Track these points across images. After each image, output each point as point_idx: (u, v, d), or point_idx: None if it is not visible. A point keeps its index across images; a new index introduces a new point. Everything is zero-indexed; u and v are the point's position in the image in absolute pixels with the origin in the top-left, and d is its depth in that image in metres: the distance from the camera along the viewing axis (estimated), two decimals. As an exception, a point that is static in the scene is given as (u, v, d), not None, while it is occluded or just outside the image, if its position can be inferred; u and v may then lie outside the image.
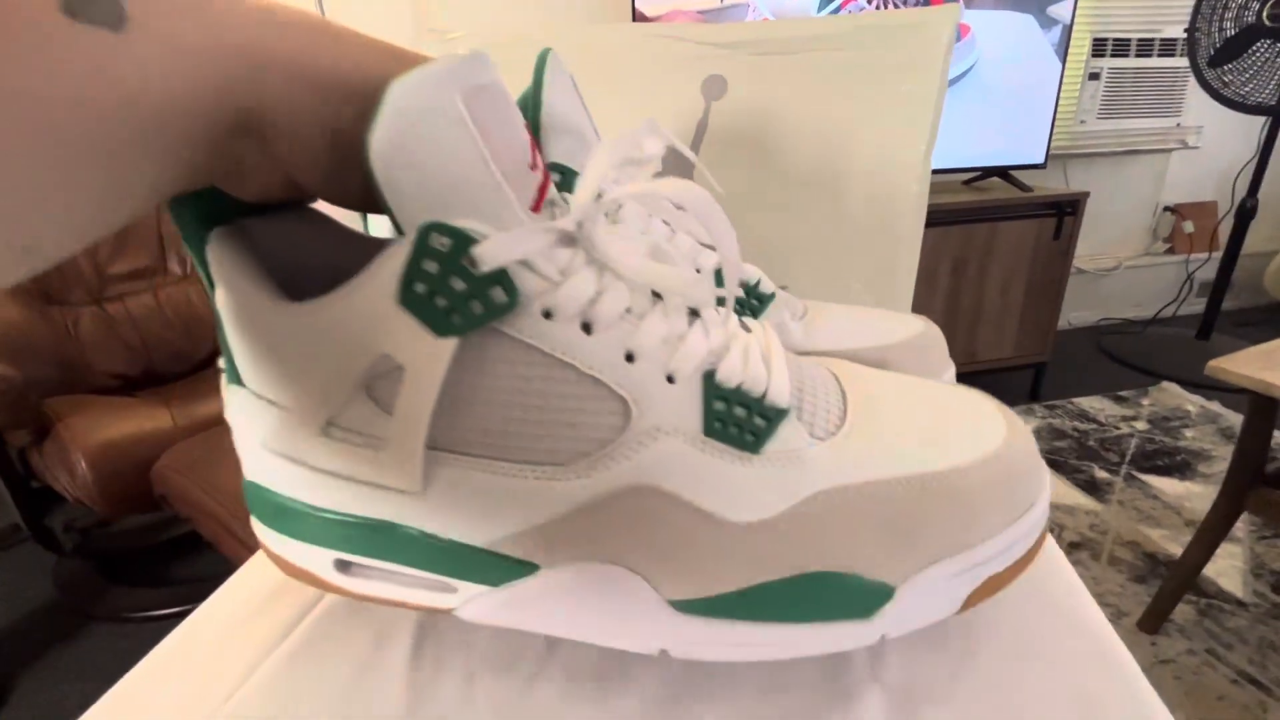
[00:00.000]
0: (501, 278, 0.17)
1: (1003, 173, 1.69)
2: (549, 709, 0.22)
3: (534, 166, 0.19)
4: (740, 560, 0.20)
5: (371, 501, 0.21)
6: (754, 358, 0.21)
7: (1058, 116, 1.65)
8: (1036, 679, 0.21)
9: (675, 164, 0.43)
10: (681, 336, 0.20)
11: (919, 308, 0.45)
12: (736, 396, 0.20)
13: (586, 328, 0.19)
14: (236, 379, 0.21)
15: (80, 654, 1.04)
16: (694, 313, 0.21)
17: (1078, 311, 2.29)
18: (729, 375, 0.20)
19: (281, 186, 0.18)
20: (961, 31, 1.56)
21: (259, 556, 0.30)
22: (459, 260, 0.17)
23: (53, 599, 1.18)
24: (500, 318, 0.18)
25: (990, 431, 0.22)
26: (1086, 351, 2.10)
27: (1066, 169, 2.07)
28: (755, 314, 0.32)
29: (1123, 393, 1.77)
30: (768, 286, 0.33)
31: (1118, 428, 1.61)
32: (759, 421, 0.20)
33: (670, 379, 0.19)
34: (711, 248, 0.31)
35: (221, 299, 0.20)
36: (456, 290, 0.17)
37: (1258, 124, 1.86)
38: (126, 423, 0.94)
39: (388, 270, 0.17)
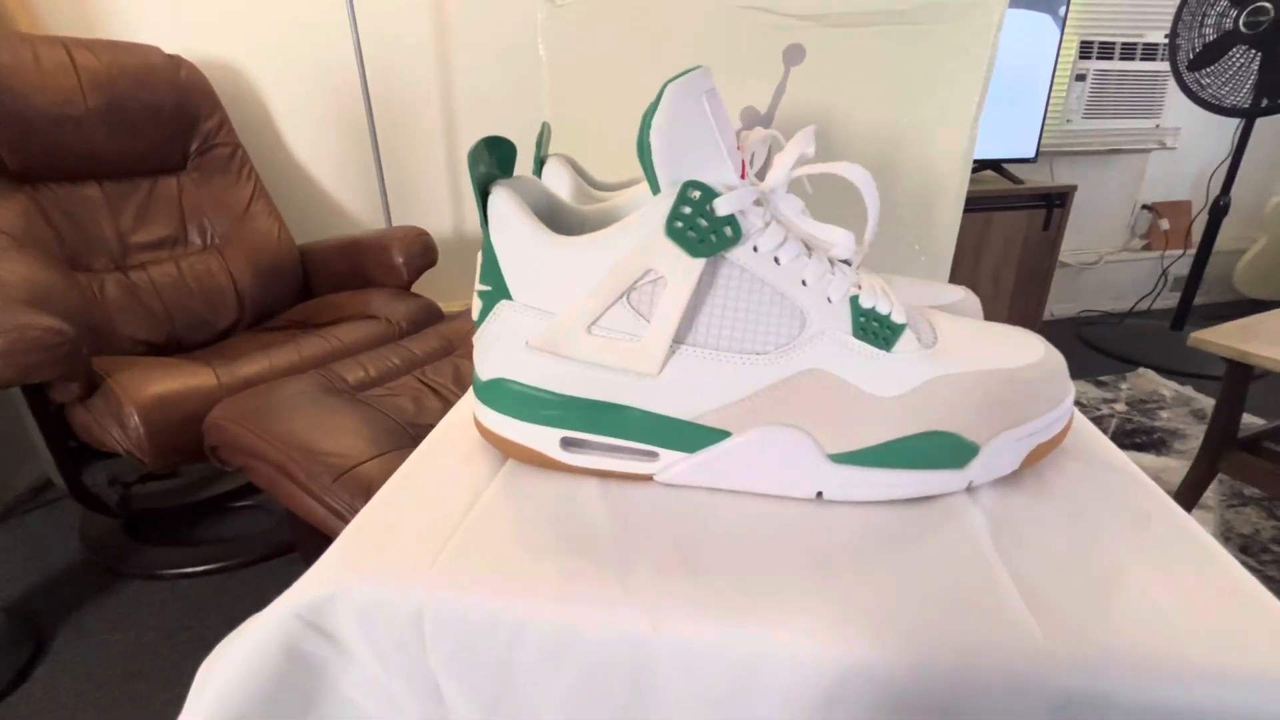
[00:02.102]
0: (731, 220, 0.26)
1: (996, 166, 1.78)
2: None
3: (739, 148, 0.28)
4: (880, 423, 0.28)
5: (612, 386, 0.28)
6: (878, 291, 0.29)
7: (1047, 115, 1.74)
8: (1094, 498, 0.28)
9: (755, 124, 0.49)
10: (830, 274, 0.28)
11: None
12: (872, 314, 0.28)
13: (776, 261, 0.27)
14: (505, 295, 0.28)
15: (113, 607, 1.07)
16: (830, 261, 0.29)
17: (1060, 303, 2.40)
18: (866, 300, 0.28)
19: None
20: None
21: (431, 441, 0.35)
22: (705, 206, 0.25)
23: (82, 556, 1.21)
24: (729, 248, 0.26)
25: (1033, 349, 0.31)
26: (1068, 341, 2.20)
27: (1053, 166, 2.17)
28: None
29: (1103, 378, 1.88)
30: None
31: (1099, 409, 1.70)
32: (887, 331, 0.28)
33: (829, 300, 0.28)
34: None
35: (498, 235, 0.28)
36: (703, 227, 0.26)
37: (1231, 126, 1.98)
38: (174, 379, 0.97)
39: (658, 211, 0.26)
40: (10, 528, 1.31)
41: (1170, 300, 2.30)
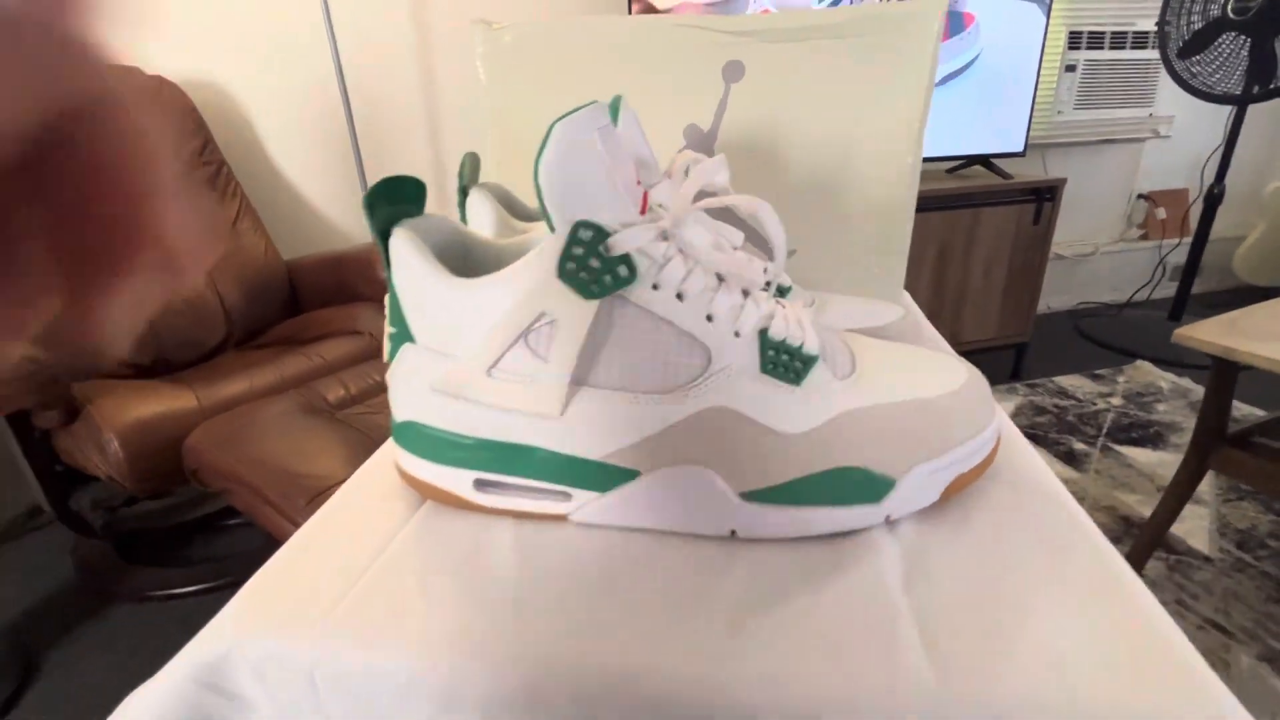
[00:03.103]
0: (626, 259, 0.25)
1: (984, 161, 1.76)
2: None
3: (638, 183, 0.27)
4: (789, 460, 0.27)
5: (516, 428, 0.28)
6: (791, 322, 0.28)
7: (1036, 107, 1.72)
8: (1016, 529, 0.27)
9: (699, 143, 0.48)
10: (741, 306, 0.28)
11: (907, 290, 0.51)
12: (783, 347, 0.28)
13: (680, 297, 0.26)
14: (408, 338, 0.27)
15: (104, 631, 1.08)
16: (745, 291, 0.28)
17: (1056, 296, 2.38)
18: (776, 332, 0.28)
19: None
20: (966, 20, 1.62)
21: (356, 479, 0.35)
22: (598, 246, 0.25)
23: (73, 580, 1.21)
24: (624, 288, 0.26)
25: (954, 375, 0.30)
26: (1065, 333, 2.18)
27: (1045, 158, 2.15)
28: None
29: (1099, 371, 1.86)
30: (785, 281, 0.40)
31: (1095, 403, 1.69)
32: (799, 364, 0.28)
33: (737, 334, 0.27)
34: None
35: (399, 278, 0.27)
36: (595, 268, 0.25)
37: (1224, 113, 1.95)
38: (154, 403, 0.98)
39: (549, 253, 0.25)
40: (3, 552, 1.32)
41: (1169, 290, 2.28)
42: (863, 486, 0.27)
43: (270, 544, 1.17)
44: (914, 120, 0.46)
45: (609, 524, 0.29)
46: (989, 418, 0.30)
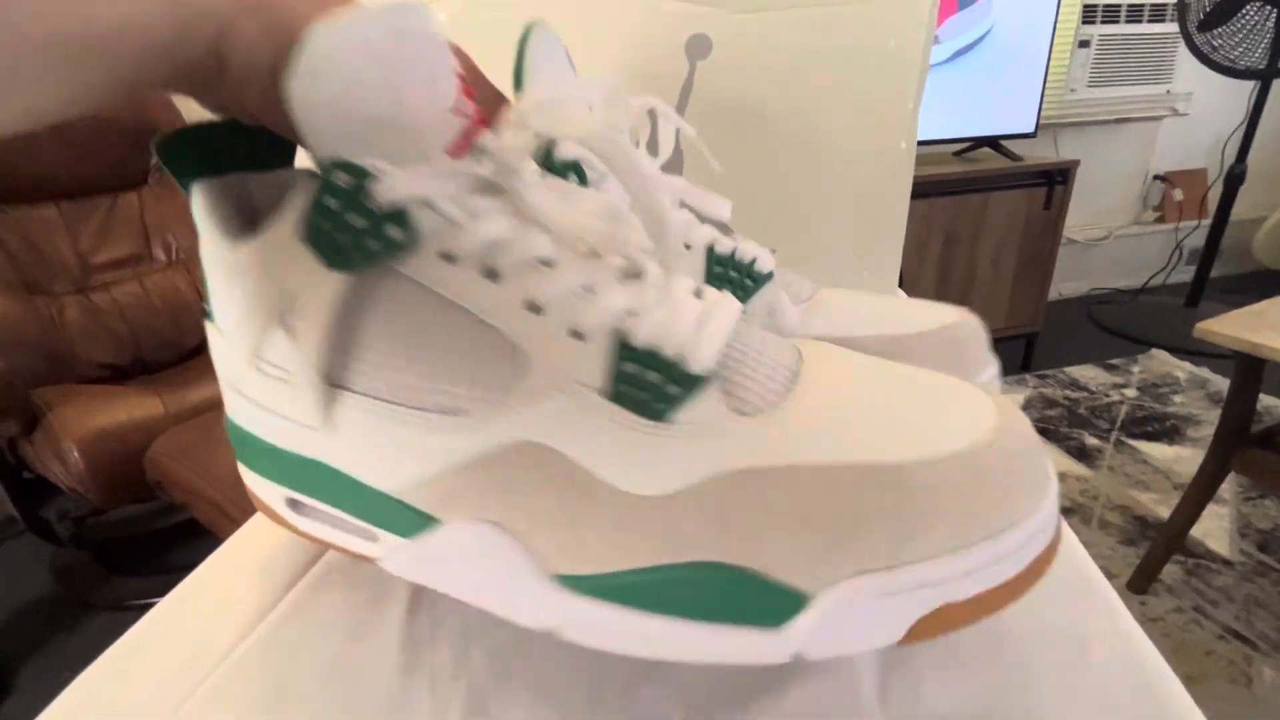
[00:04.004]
0: (399, 216, 0.17)
1: (993, 143, 1.69)
2: (546, 662, 0.22)
3: (458, 112, 0.18)
4: (633, 537, 0.18)
5: (299, 438, 0.20)
6: (684, 322, 0.19)
7: (1047, 85, 1.64)
8: (1022, 618, 0.22)
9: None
10: (594, 290, 0.18)
11: (910, 280, 0.45)
12: (649, 359, 0.18)
13: (491, 274, 0.18)
14: (209, 315, 0.22)
15: (81, 642, 1.05)
16: (634, 275, 0.19)
17: (1068, 282, 2.30)
18: (646, 336, 0.18)
19: (239, 111, 0.19)
20: None
21: (247, 528, 0.30)
22: (358, 197, 0.17)
23: (52, 589, 1.18)
24: (396, 256, 0.18)
25: (967, 427, 0.18)
26: (1077, 321, 2.11)
27: (1056, 138, 2.07)
28: (747, 293, 0.29)
29: (1113, 361, 1.79)
30: (765, 265, 0.30)
31: (1108, 395, 1.62)
32: (671, 389, 0.18)
33: (577, 334, 0.18)
34: (716, 224, 0.30)
35: (201, 242, 0.21)
36: (355, 227, 0.17)
37: (1246, 89, 1.86)
38: (117, 411, 0.94)
39: (297, 206, 0.18)
40: (-20, 560, 1.29)
41: (1186, 275, 2.19)
42: (748, 599, 0.17)
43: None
44: (907, 98, 0.40)
45: (419, 581, 0.22)
46: (1022, 510, 0.17)
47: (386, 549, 0.21)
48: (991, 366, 0.31)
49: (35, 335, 1.15)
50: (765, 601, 0.17)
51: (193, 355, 1.39)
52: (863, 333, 0.29)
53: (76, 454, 0.87)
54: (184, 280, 1.41)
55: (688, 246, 0.26)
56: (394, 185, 0.17)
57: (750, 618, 0.17)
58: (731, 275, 0.28)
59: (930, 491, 0.17)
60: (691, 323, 0.19)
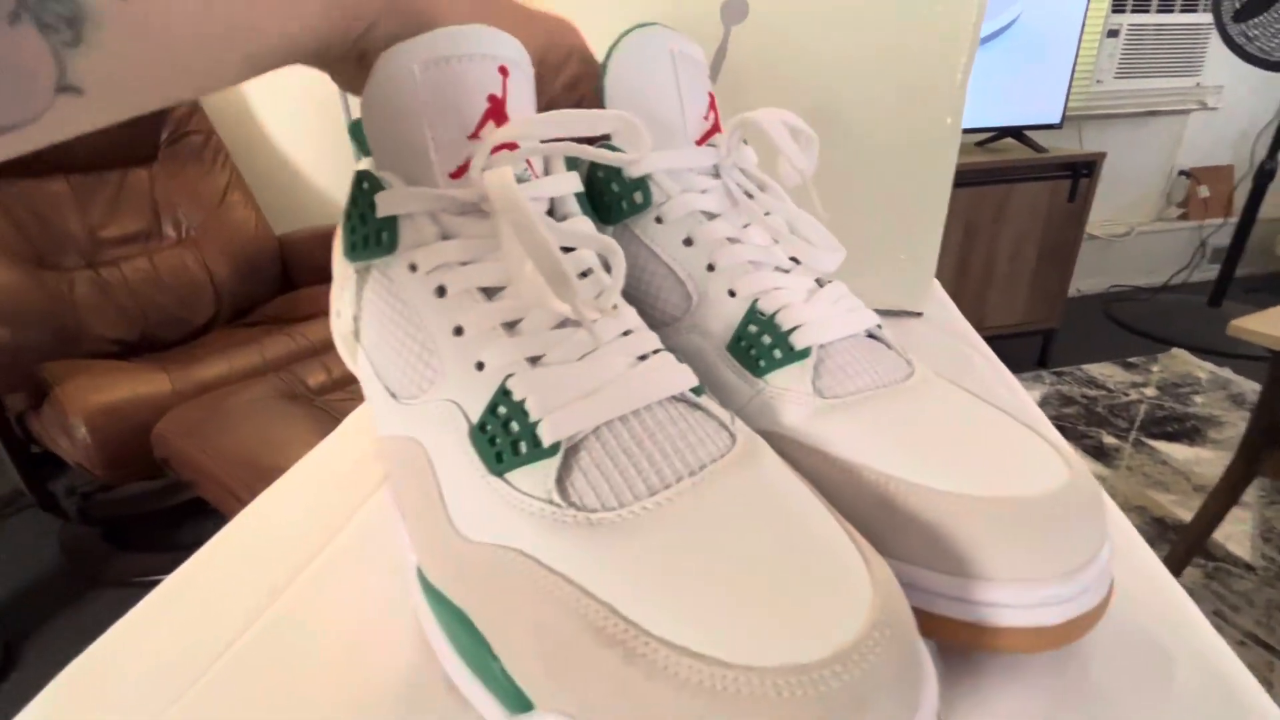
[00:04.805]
0: (387, 224, 0.21)
1: (1017, 133, 1.65)
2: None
3: (474, 136, 0.20)
4: (447, 562, 0.18)
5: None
6: (558, 383, 0.18)
7: (1073, 76, 1.59)
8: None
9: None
10: (517, 330, 0.19)
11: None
12: (516, 411, 0.18)
13: (440, 290, 0.20)
14: None
15: (87, 618, 1.05)
16: (566, 324, 0.20)
17: (1087, 278, 2.26)
18: (525, 390, 0.18)
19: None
20: None
21: (257, 504, 0.28)
22: (370, 203, 0.21)
23: (59, 564, 1.18)
24: (380, 258, 0.21)
25: (814, 620, 0.13)
26: (1095, 318, 2.07)
27: (1081, 131, 2.02)
28: (763, 366, 0.23)
29: (1132, 359, 1.76)
30: (804, 340, 0.22)
31: (1126, 394, 1.59)
32: (522, 446, 0.17)
33: (480, 366, 0.19)
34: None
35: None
36: (365, 225, 0.21)
37: (1278, 83, 1.81)
38: (124, 386, 0.93)
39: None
40: (-12, 534, 1.29)
41: (1208, 273, 2.15)
42: (492, 675, 0.16)
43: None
44: (955, 70, 0.38)
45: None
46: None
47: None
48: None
49: (43, 309, 1.14)
50: (502, 686, 0.16)
51: (200, 333, 1.38)
52: (905, 475, 0.19)
53: (84, 429, 0.87)
54: (193, 258, 1.40)
55: (732, 294, 0.24)
56: (388, 198, 0.20)
57: (497, 692, 0.16)
58: (762, 340, 0.23)
59: (656, 677, 0.13)
60: (577, 389, 0.18)
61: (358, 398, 0.95)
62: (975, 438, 0.19)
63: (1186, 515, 1.13)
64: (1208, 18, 1.75)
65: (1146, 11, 1.91)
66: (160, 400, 0.92)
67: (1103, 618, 0.17)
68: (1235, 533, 1.11)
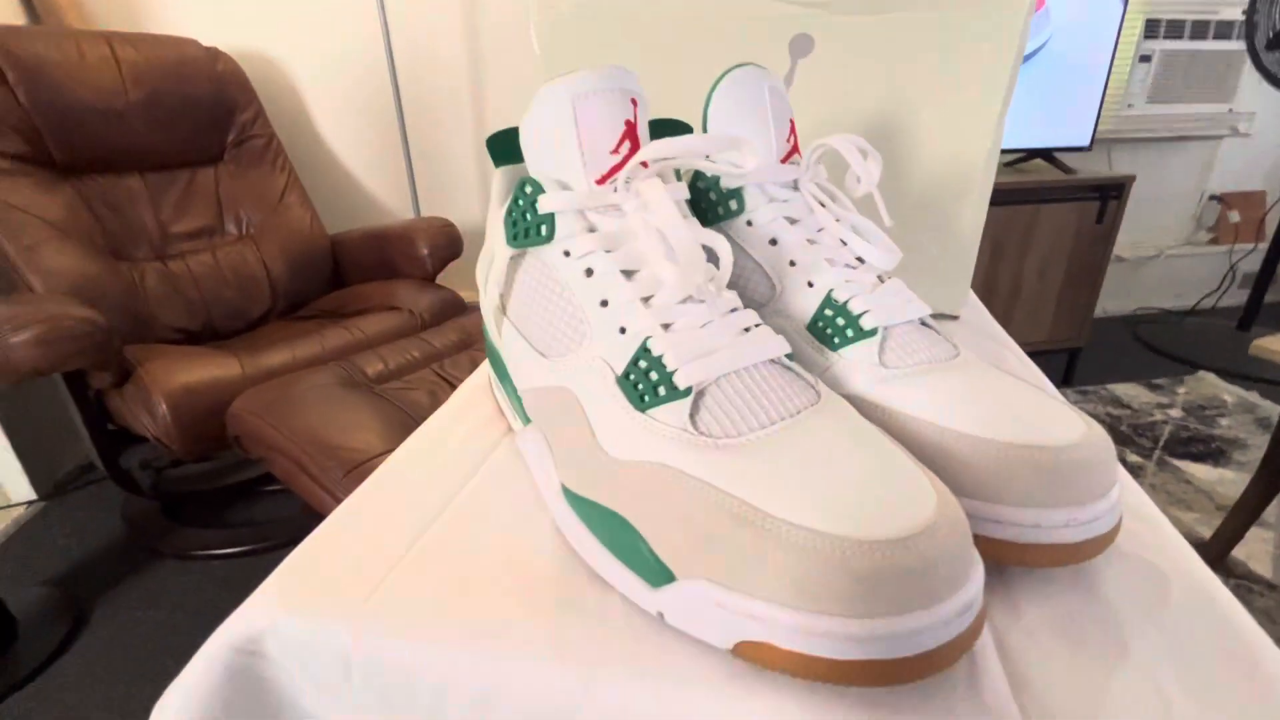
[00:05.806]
0: (547, 219, 0.27)
1: (1047, 154, 1.68)
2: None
3: (614, 152, 0.26)
4: (598, 476, 0.24)
5: (493, 339, 0.34)
6: (687, 343, 0.24)
7: (1104, 99, 1.62)
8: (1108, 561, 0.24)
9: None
10: (648, 304, 0.25)
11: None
12: (650, 364, 0.24)
13: (588, 271, 0.26)
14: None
15: (149, 585, 1.12)
16: (692, 300, 0.25)
17: (1113, 299, 2.27)
18: (662, 347, 0.24)
19: None
20: (1037, 2, 1.53)
21: (415, 438, 0.35)
22: (532, 203, 0.27)
23: (122, 535, 1.26)
24: (539, 245, 0.27)
25: (895, 511, 0.18)
26: (1121, 340, 2.08)
27: (1111, 154, 2.04)
28: (837, 343, 0.28)
29: (1158, 380, 1.77)
30: (871, 322, 0.27)
31: (1151, 414, 1.61)
32: (661, 390, 0.23)
33: (622, 330, 0.25)
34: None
35: (492, 206, 0.32)
36: (527, 220, 0.27)
37: (1314, 111, 1.82)
38: (200, 369, 1.00)
39: (509, 196, 0.29)
40: (56, 505, 1.37)
41: (1238, 298, 2.15)
42: (638, 555, 0.22)
43: (307, 512, 1.19)
44: (995, 106, 0.42)
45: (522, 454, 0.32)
46: (891, 602, 0.17)
47: (517, 430, 0.33)
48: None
49: (120, 297, 1.23)
50: (647, 563, 0.21)
51: (256, 325, 1.46)
52: (954, 426, 0.24)
53: (164, 407, 0.94)
54: (252, 254, 1.48)
55: (810, 284, 0.30)
56: (548, 200, 0.26)
57: (640, 570, 0.22)
58: (836, 322, 0.29)
59: (775, 544, 0.18)
60: (691, 346, 0.24)
61: (414, 386, 1.00)
62: (1011, 401, 0.24)
63: (1208, 534, 1.15)
64: (1241, 45, 1.77)
65: (1180, 38, 1.93)
66: (232, 383, 0.99)
67: (1113, 542, 0.22)
68: (1257, 551, 1.13)
